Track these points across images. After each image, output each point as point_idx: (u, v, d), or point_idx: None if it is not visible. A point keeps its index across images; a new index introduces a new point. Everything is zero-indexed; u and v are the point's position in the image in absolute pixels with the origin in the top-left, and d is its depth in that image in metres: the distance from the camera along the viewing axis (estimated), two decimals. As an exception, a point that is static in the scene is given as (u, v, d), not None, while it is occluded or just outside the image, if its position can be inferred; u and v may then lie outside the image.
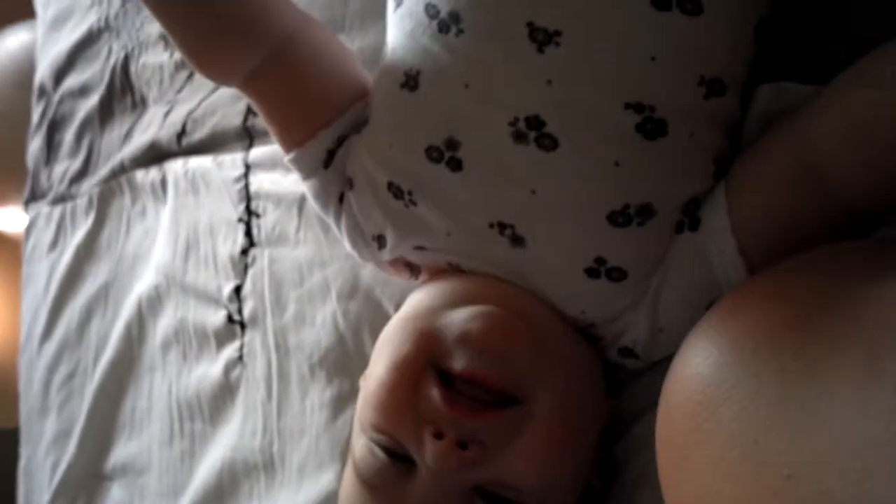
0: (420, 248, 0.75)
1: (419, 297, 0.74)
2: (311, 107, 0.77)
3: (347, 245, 0.82)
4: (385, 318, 0.87)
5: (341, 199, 0.79)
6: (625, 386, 0.77)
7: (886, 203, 0.58)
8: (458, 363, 0.66)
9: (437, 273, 0.77)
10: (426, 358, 0.67)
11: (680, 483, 0.48)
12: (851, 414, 0.38)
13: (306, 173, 0.79)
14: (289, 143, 0.79)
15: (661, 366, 0.72)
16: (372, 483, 0.69)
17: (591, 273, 0.68)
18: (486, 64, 0.67)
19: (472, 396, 0.65)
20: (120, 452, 1.09)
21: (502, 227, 0.69)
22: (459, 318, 0.68)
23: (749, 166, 0.65)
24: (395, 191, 0.72)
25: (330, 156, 0.77)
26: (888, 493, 0.35)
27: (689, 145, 0.65)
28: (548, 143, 0.65)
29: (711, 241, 0.66)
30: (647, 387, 0.74)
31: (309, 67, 0.76)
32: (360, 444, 0.70)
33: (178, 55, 1.22)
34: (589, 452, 0.70)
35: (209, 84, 1.17)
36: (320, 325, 0.95)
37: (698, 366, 0.48)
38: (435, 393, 0.65)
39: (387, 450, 0.67)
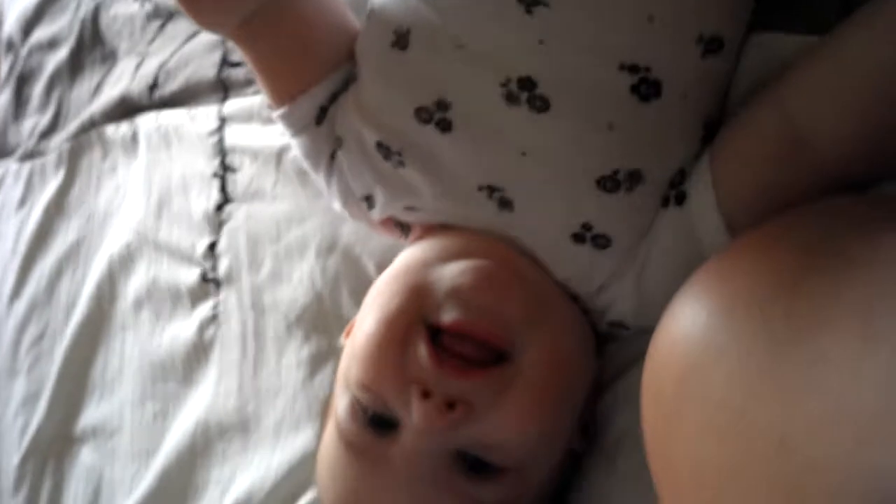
0: (410, 208, 0.74)
1: (411, 252, 0.73)
2: (305, 59, 0.76)
3: (338, 204, 0.80)
4: (364, 275, 0.87)
5: (332, 157, 0.77)
6: (605, 343, 0.76)
7: (877, 169, 0.58)
8: (448, 315, 0.65)
9: (430, 230, 0.76)
10: (416, 313, 0.66)
11: (667, 446, 0.47)
12: (845, 381, 0.37)
13: (296, 129, 0.78)
14: (280, 97, 0.77)
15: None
16: (354, 443, 0.67)
17: (577, 238, 0.68)
18: (477, 25, 0.66)
19: (460, 353, 0.64)
20: (91, 414, 1.06)
21: (491, 189, 0.68)
22: (451, 271, 0.67)
23: (734, 139, 0.64)
24: (384, 151, 0.71)
25: (322, 112, 0.76)
26: (882, 463, 0.34)
27: (681, 107, 0.64)
28: (540, 104, 0.64)
29: (697, 216, 0.65)
30: (628, 344, 0.74)
31: (307, 18, 0.75)
32: (344, 403, 0.68)
33: (149, 5, 1.20)
34: (574, 414, 0.69)
35: (182, 35, 1.15)
36: (297, 282, 0.94)
37: (687, 327, 0.47)
38: (423, 350, 0.63)
39: (371, 409, 0.66)
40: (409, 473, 0.64)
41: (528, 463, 0.66)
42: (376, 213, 0.77)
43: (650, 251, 0.68)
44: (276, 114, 0.78)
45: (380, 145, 0.72)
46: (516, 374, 0.64)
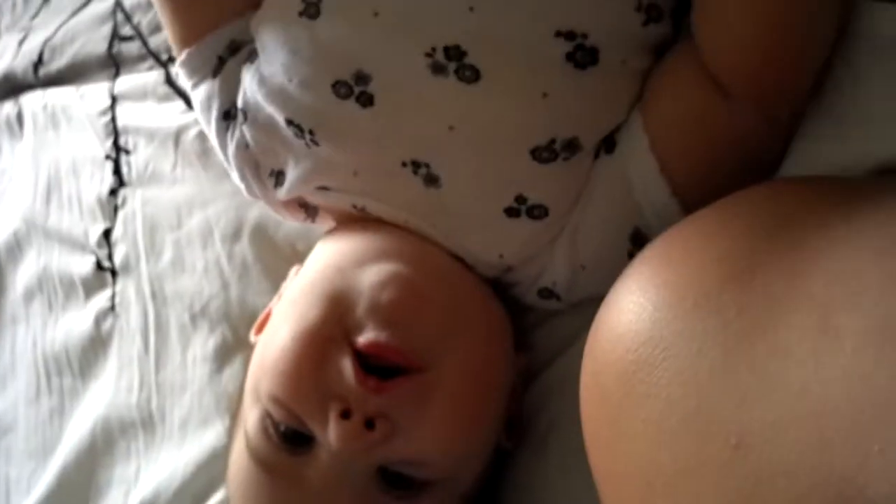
0: (323, 188, 0.70)
1: (326, 255, 0.70)
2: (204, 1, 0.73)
3: (234, 175, 0.76)
4: (278, 262, 0.84)
5: (225, 117, 0.73)
6: (535, 328, 0.74)
7: (767, 99, 0.57)
8: (365, 336, 0.61)
9: (342, 220, 0.73)
10: (335, 327, 0.62)
11: (611, 447, 0.44)
12: (806, 377, 0.35)
13: (195, 79, 0.74)
14: (179, 42, 0.74)
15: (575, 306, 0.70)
16: (266, 461, 0.64)
17: (511, 212, 0.65)
18: None
19: (383, 362, 0.61)
20: (-17, 411, 1.02)
21: (416, 165, 0.65)
22: (369, 281, 0.64)
23: (658, 80, 0.63)
24: (295, 129, 0.67)
25: (220, 63, 0.72)
26: (846, 464, 0.32)
27: (620, 73, 0.62)
28: (469, 74, 0.61)
29: (630, 161, 0.63)
30: (558, 329, 0.72)
31: None
32: (254, 416, 0.65)
33: (31, -23, 1.15)
34: (497, 414, 0.67)
35: (68, 8, 1.11)
36: (202, 271, 0.91)
37: (631, 322, 0.44)
38: (349, 368, 0.60)
39: (284, 424, 0.62)
40: (328, 494, 0.61)
41: (452, 475, 0.64)
42: (283, 192, 0.73)
43: (584, 208, 0.66)
44: (177, 62, 0.75)
45: (290, 122, 0.68)
46: (436, 384, 0.61)
